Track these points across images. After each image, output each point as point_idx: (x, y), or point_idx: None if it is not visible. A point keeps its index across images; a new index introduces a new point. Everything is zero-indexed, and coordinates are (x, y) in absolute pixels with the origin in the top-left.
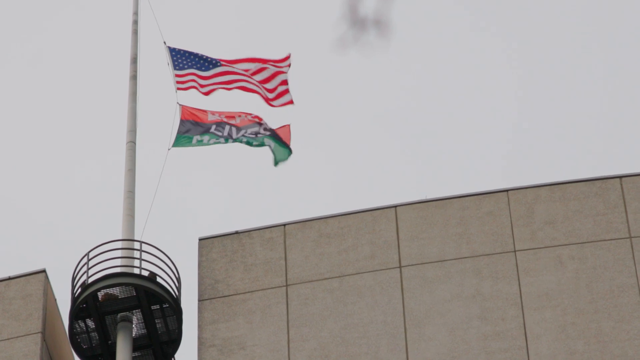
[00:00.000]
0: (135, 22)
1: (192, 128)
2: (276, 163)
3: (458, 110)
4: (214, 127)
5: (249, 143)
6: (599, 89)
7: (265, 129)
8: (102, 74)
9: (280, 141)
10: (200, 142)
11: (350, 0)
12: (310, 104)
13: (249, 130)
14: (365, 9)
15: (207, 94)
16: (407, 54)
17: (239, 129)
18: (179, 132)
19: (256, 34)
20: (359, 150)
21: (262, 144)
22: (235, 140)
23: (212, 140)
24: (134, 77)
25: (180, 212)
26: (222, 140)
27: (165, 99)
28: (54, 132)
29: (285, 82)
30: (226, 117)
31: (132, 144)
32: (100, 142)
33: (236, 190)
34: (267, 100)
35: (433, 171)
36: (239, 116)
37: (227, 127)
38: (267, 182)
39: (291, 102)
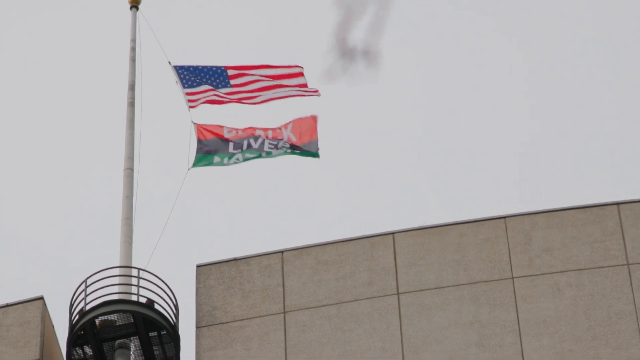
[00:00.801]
0: (133, 49)
1: (211, 147)
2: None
3: (454, 137)
4: (231, 146)
5: (268, 154)
6: (596, 116)
7: (285, 142)
8: (99, 100)
9: (303, 150)
10: (220, 163)
11: (339, 32)
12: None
13: (267, 142)
14: (354, 41)
15: (221, 103)
16: (402, 80)
17: (256, 139)
18: (198, 152)
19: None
20: (357, 176)
21: (285, 153)
22: (257, 154)
23: (232, 161)
24: (131, 104)
25: (178, 239)
26: (240, 158)
27: (163, 125)
28: (52, 157)
29: (301, 80)
30: (242, 131)
31: (129, 170)
32: (98, 168)
33: (234, 217)
34: (292, 95)
35: (430, 197)
36: (257, 131)
37: (245, 142)
38: (265, 209)
39: (317, 91)
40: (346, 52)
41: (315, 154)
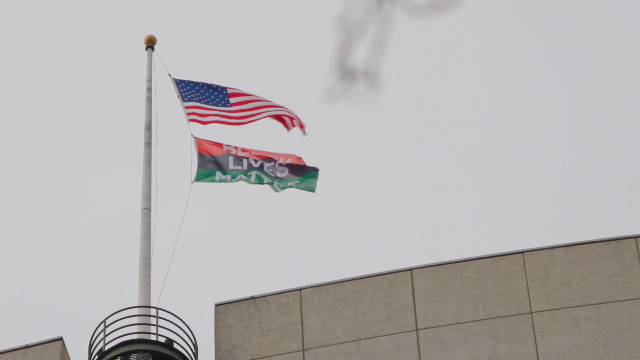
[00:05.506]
0: (149, 89)
1: (211, 162)
2: (308, 189)
3: (469, 171)
4: (231, 161)
5: (270, 184)
6: (613, 149)
7: (280, 165)
8: (115, 140)
9: (300, 175)
10: (223, 180)
11: (340, 52)
12: (322, 165)
13: (266, 165)
14: (355, 61)
15: (205, 123)
16: (417, 107)
17: (256, 161)
18: (199, 166)
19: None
20: (373, 212)
21: (284, 186)
22: (257, 179)
23: (236, 179)
24: (148, 144)
25: (196, 277)
26: (243, 177)
27: (180, 161)
28: (70, 196)
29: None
30: (242, 150)
31: (147, 210)
32: (115, 208)
33: (251, 255)
34: (285, 122)
35: (448, 233)
36: (253, 153)
37: (244, 161)
38: (282, 246)
39: (303, 128)
40: (347, 73)
41: (314, 174)
